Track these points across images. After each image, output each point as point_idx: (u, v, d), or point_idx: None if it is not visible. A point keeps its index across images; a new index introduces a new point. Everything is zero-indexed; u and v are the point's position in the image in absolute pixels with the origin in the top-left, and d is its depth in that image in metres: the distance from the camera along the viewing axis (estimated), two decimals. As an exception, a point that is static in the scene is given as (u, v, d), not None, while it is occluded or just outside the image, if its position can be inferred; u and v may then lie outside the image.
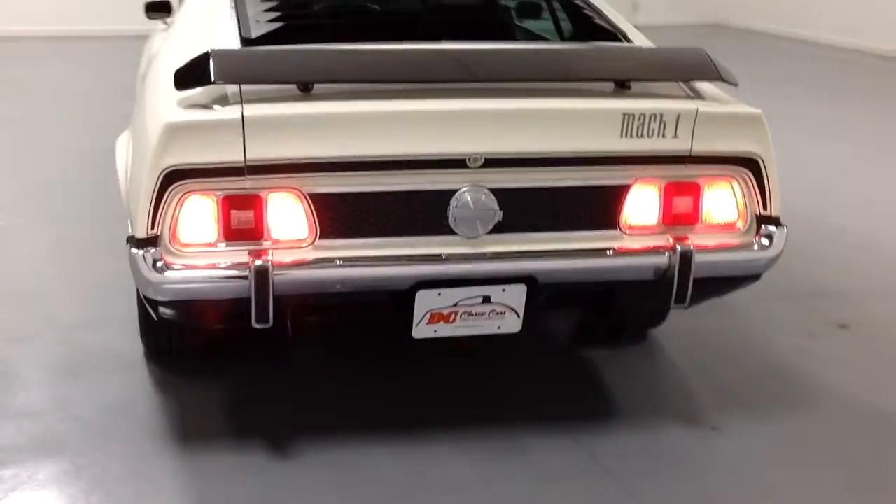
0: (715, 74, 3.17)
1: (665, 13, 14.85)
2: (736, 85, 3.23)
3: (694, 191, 3.20)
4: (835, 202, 6.14)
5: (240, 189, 2.91)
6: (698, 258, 3.14)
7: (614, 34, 3.73)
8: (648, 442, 3.38)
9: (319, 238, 3.01)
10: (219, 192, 2.91)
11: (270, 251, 2.94)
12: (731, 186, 3.20)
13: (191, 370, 3.76)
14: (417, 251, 3.05)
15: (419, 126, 2.97)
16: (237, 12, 3.61)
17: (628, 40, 3.68)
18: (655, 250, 3.15)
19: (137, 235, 2.89)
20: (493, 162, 3.01)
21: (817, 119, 8.53)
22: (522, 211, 3.09)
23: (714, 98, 3.21)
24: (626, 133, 3.05)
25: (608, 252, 3.14)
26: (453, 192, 3.02)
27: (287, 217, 2.98)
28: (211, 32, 3.48)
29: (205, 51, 3.03)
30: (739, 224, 3.24)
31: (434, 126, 2.98)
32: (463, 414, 3.52)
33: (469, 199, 3.02)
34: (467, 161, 2.99)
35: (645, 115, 3.05)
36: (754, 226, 3.24)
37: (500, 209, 3.05)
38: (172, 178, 2.85)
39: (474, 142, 2.99)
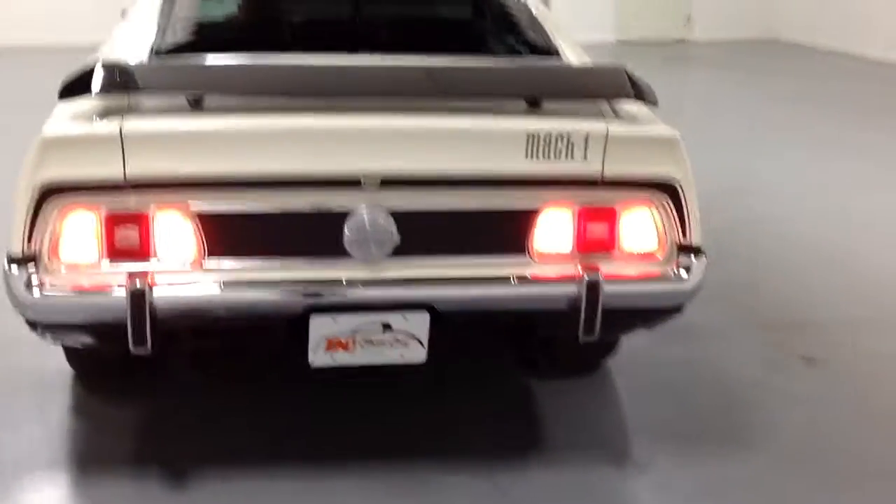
0: (628, 92, 2.99)
1: (719, 28, 14.61)
2: (655, 104, 3.06)
3: (609, 216, 3.02)
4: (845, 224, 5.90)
5: (123, 206, 2.80)
6: (608, 289, 2.95)
7: (546, 49, 3.55)
8: (568, 481, 3.20)
9: (207, 258, 2.88)
10: (102, 209, 2.80)
11: (151, 273, 2.82)
12: (650, 212, 3.02)
13: (105, 391, 3.65)
14: (309, 275, 2.91)
15: (310, 144, 2.84)
16: (161, 24, 3.51)
17: (558, 56, 3.49)
18: (562, 280, 2.97)
19: (12, 252, 2.79)
20: (390, 182, 2.87)
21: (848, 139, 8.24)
22: (423, 234, 2.94)
23: (632, 118, 3.02)
24: (532, 154, 2.88)
25: (511, 280, 2.98)
26: (348, 213, 2.88)
27: (173, 236, 2.86)
28: (128, 43, 3.39)
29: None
30: (659, 253, 3.05)
31: (326, 144, 2.84)
32: (375, 447, 3.36)
33: (365, 220, 2.87)
34: (362, 181, 2.84)
35: (551, 136, 2.88)
36: (675, 255, 3.04)
37: (399, 232, 2.90)
38: (49, 193, 2.75)
39: (368, 161, 2.85)
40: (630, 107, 3.07)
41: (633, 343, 3.87)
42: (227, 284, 2.87)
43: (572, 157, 2.90)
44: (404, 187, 2.88)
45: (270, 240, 2.90)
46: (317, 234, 2.89)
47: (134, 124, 2.77)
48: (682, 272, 3.02)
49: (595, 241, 3.02)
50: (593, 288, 2.92)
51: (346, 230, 2.87)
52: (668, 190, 2.98)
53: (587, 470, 3.26)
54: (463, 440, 3.43)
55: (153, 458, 3.26)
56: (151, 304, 2.77)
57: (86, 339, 2.99)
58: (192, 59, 3.24)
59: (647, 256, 3.05)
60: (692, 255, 3.03)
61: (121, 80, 2.86)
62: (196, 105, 2.87)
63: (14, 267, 2.78)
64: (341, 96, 2.95)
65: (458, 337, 3.22)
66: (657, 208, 3.00)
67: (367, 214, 2.87)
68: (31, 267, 2.78)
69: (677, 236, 3.02)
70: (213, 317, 2.91)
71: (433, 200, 2.92)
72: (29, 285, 2.78)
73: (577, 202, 2.98)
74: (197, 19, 3.60)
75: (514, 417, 3.60)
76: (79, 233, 2.82)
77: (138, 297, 2.76)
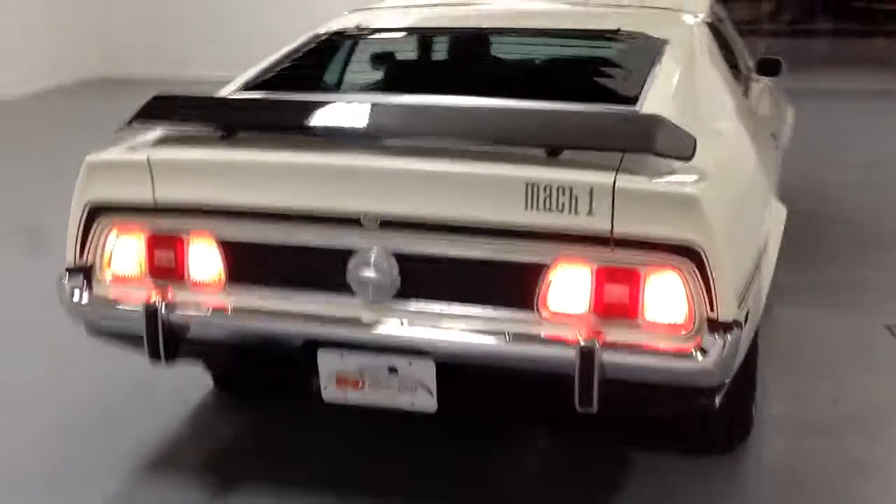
0: (645, 146, 2.66)
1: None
2: (686, 159, 2.70)
3: (632, 279, 2.72)
4: None
5: (159, 228, 3.00)
6: (608, 358, 2.66)
7: (626, 97, 3.21)
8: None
9: (228, 284, 3.00)
10: (143, 230, 3.02)
11: (170, 292, 2.99)
12: (678, 279, 2.67)
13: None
14: (316, 309, 2.92)
15: (315, 180, 2.87)
16: (278, 60, 3.67)
17: (632, 104, 3.13)
18: (558, 343, 2.72)
19: (67, 263, 3.09)
20: (391, 224, 2.80)
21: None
22: (426, 280, 2.84)
23: (652, 173, 2.68)
24: (532, 205, 2.68)
25: (506, 337, 2.78)
26: (352, 251, 2.85)
27: (200, 260, 3.02)
28: (238, 79, 3.59)
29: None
30: (685, 326, 2.69)
31: (329, 181, 2.85)
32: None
33: (366, 260, 2.84)
34: (361, 220, 2.81)
35: (552, 187, 2.65)
36: (702, 330, 2.67)
37: (402, 275, 2.83)
38: (95, 212, 3.01)
39: (366, 200, 2.81)
40: (659, 161, 2.72)
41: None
42: (238, 311, 2.96)
43: (576, 211, 2.65)
44: (404, 230, 2.80)
45: (281, 271, 2.96)
46: (324, 270, 2.90)
47: (161, 152, 2.96)
48: (697, 350, 2.64)
49: (614, 306, 2.74)
50: (587, 355, 2.66)
51: (349, 268, 2.85)
52: (691, 255, 2.62)
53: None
54: None
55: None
56: (165, 322, 2.93)
57: (121, 345, 3.21)
58: (249, 95, 3.36)
59: (672, 328, 2.71)
60: (717, 332, 2.64)
61: (155, 111, 3.05)
62: (227, 137, 2.99)
63: (67, 276, 3.07)
64: (354, 136, 2.93)
65: (472, 391, 3.04)
66: (683, 275, 2.65)
67: (367, 254, 2.83)
68: (79, 277, 3.06)
69: (704, 309, 2.65)
70: (223, 341, 3.02)
71: (434, 245, 2.81)
72: (73, 294, 3.06)
73: (594, 261, 2.72)
74: (317, 62, 3.71)
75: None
76: (121, 249, 3.06)
77: (152, 315, 2.93)
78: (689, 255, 2.62)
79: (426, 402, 2.92)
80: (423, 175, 2.78)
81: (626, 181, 2.63)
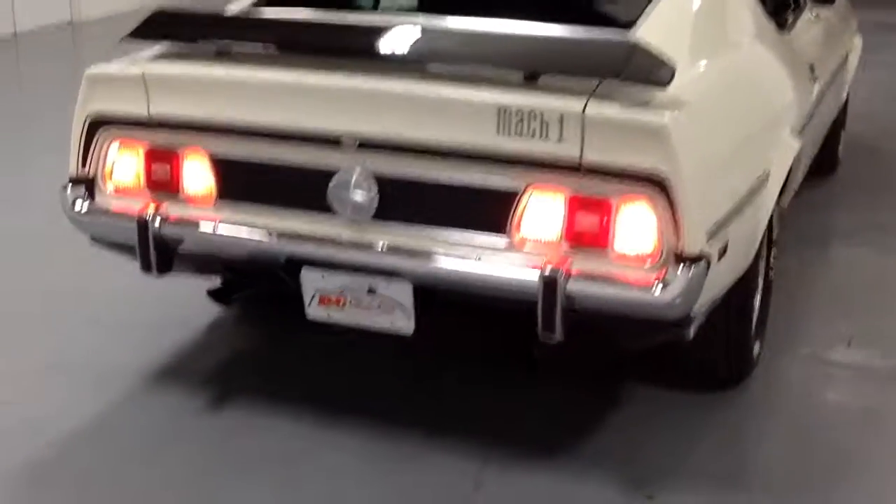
0: (610, 71, 2.62)
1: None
2: (662, 85, 2.64)
3: (603, 209, 2.70)
4: None
5: (156, 142, 3.08)
6: (573, 287, 2.66)
7: (624, 21, 3.13)
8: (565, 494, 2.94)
9: (219, 199, 3.07)
10: (141, 143, 3.10)
11: (162, 205, 3.06)
12: (649, 209, 2.64)
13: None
14: (299, 227, 2.97)
15: (297, 99, 2.90)
16: None
17: (627, 29, 3.05)
18: (525, 268, 2.72)
19: (70, 174, 3.18)
20: (369, 145, 2.82)
21: None
22: (403, 202, 2.87)
23: (627, 100, 2.64)
24: (503, 130, 2.67)
25: (475, 259, 2.78)
26: (334, 171, 2.89)
27: (193, 175, 3.09)
28: None
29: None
30: (652, 257, 2.66)
31: (309, 101, 2.89)
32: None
33: (346, 180, 2.87)
34: (341, 140, 2.84)
35: (523, 112, 2.64)
36: (668, 262, 2.64)
37: (380, 196, 2.86)
38: (96, 125, 3.09)
39: (345, 120, 2.84)
40: (637, 89, 2.67)
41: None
42: (226, 227, 3.03)
43: (547, 137, 2.64)
44: (382, 151, 2.82)
45: (267, 188, 3.01)
46: (307, 190, 2.94)
47: (157, 67, 3.02)
48: (660, 282, 2.62)
49: (585, 234, 2.73)
50: (550, 283, 2.65)
51: (330, 188, 2.89)
52: (658, 185, 2.59)
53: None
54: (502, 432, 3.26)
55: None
56: (157, 234, 3.02)
57: (120, 254, 3.28)
58: (256, 12, 3.38)
59: (641, 259, 2.69)
60: (682, 265, 2.61)
61: (154, 26, 3.10)
62: (222, 54, 3.03)
63: (70, 187, 3.17)
64: (340, 55, 2.94)
65: (449, 312, 3.06)
66: (654, 206, 2.62)
67: (347, 174, 2.86)
68: (81, 188, 3.15)
69: (671, 241, 2.62)
70: (212, 255, 3.09)
71: (410, 168, 2.82)
72: (74, 203, 3.16)
73: (567, 189, 2.70)
74: None
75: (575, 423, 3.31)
76: (122, 162, 3.14)
77: (143, 227, 3.02)
78: (656, 184, 2.59)
79: (404, 323, 2.95)
80: (397, 96, 2.79)
81: (596, 108, 2.60)
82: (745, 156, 3.04)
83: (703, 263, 2.64)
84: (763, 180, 3.12)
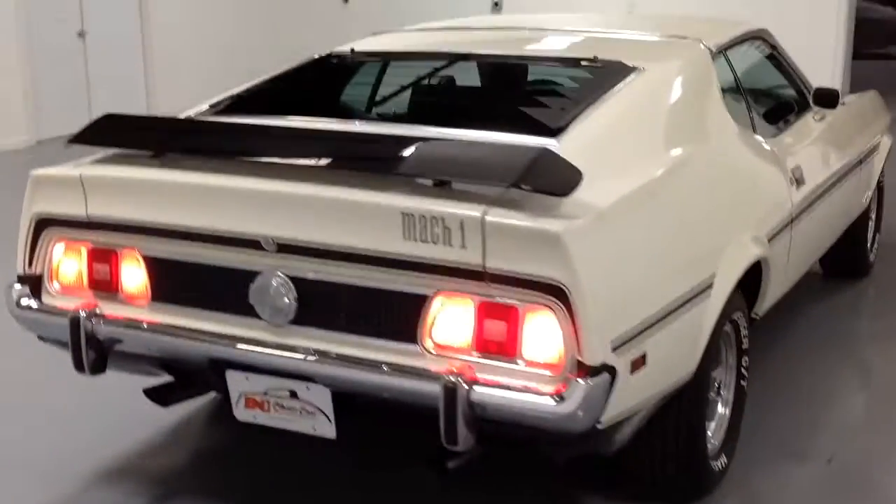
0: (507, 179, 2.58)
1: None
2: (561, 195, 2.59)
3: (510, 317, 2.64)
4: None
5: (96, 242, 3.13)
6: (478, 396, 2.60)
7: (551, 128, 3.07)
8: None
9: (152, 300, 3.09)
10: (83, 243, 3.15)
11: (98, 304, 3.10)
12: (555, 318, 2.58)
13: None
14: (220, 329, 2.97)
15: (220, 201, 2.92)
16: (260, 84, 3.74)
17: (557, 136, 3.01)
18: (430, 377, 2.67)
19: (18, 271, 3.25)
20: (287, 248, 2.83)
21: None
22: (320, 306, 2.85)
23: (532, 207, 2.59)
24: (409, 235, 2.65)
25: (387, 368, 2.75)
26: (255, 274, 2.89)
27: (130, 276, 3.12)
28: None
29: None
30: (556, 366, 2.60)
31: (230, 203, 2.90)
32: None
33: (266, 283, 2.88)
34: (262, 243, 2.85)
35: (426, 218, 2.62)
36: (572, 371, 2.57)
37: (298, 300, 2.85)
38: (42, 225, 3.16)
39: (264, 224, 2.85)
40: (545, 196, 2.62)
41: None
42: (154, 328, 3.05)
43: (450, 243, 2.61)
44: (299, 254, 2.82)
45: (193, 290, 3.02)
46: (231, 291, 2.94)
47: (93, 170, 3.09)
48: (561, 394, 2.54)
49: (493, 342, 2.67)
50: (450, 391, 2.60)
51: (251, 290, 2.89)
52: (559, 294, 2.53)
53: None
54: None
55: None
56: (90, 333, 3.05)
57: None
58: (203, 118, 3.43)
59: (548, 368, 2.62)
60: (584, 376, 2.53)
61: (96, 130, 3.18)
62: (156, 158, 3.09)
63: (16, 285, 3.23)
64: (262, 159, 2.96)
65: (368, 418, 3.02)
66: (557, 315, 2.56)
67: (267, 277, 2.87)
68: (27, 286, 3.21)
69: (573, 351, 2.55)
70: (143, 355, 3.11)
71: (325, 272, 2.82)
72: (20, 301, 3.22)
73: (475, 295, 2.66)
74: (273, 84, 3.75)
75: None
76: (66, 261, 3.19)
77: (75, 326, 3.06)
78: (556, 294, 2.53)
79: (326, 427, 2.92)
80: (309, 200, 2.79)
81: (496, 215, 2.56)
82: (673, 265, 2.95)
83: (605, 376, 2.55)
84: (702, 289, 3.03)
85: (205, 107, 3.60)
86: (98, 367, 3.12)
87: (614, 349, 2.60)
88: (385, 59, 3.93)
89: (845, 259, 5.58)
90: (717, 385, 3.41)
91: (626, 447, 3.14)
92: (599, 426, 2.62)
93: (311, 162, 2.93)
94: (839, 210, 4.71)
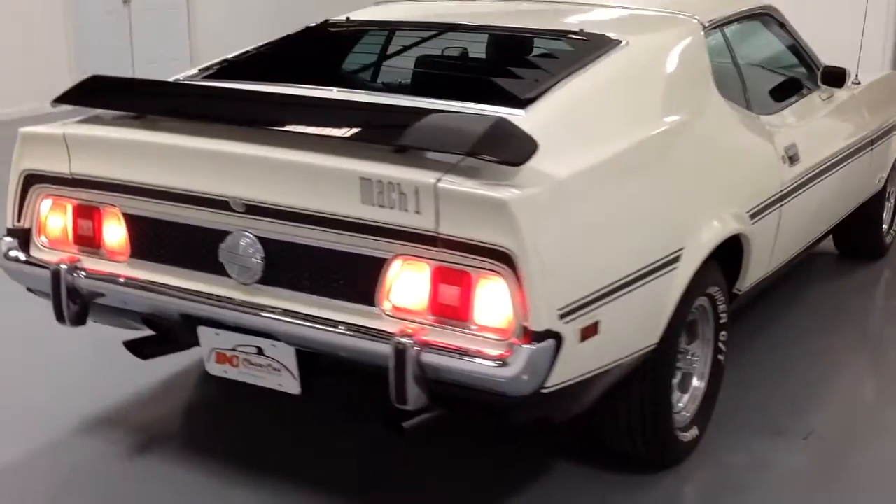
0: (458, 147, 2.62)
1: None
2: (514, 164, 2.62)
3: (464, 282, 2.69)
4: None
5: (79, 198, 3.22)
6: (426, 358, 2.66)
7: (521, 99, 3.08)
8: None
9: (132, 256, 3.18)
10: (68, 199, 3.25)
11: (80, 259, 3.20)
12: (505, 284, 2.62)
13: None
14: (192, 286, 3.06)
15: (193, 162, 2.99)
16: (251, 50, 3.81)
17: (524, 107, 3.02)
18: (380, 338, 2.73)
19: (7, 224, 3.36)
20: (255, 209, 2.90)
21: None
22: (286, 266, 2.92)
23: (487, 175, 2.63)
24: (367, 199, 2.70)
25: (338, 328, 2.81)
26: (225, 233, 2.97)
27: (111, 232, 3.22)
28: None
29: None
30: (505, 331, 2.64)
31: (203, 164, 2.97)
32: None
33: (235, 243, 2.95)
34: (231, 204, 2.92)
35: (383, 183, 2.67)
36: (519, 337, 2.61)
37: (265, 260, 2.92)
38: (30, 180, 3.26)
39: (233, 185, 2.91)
40: (502, 166, 2.66)
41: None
42: (131, 283, 3.14)
43: (405, 208, 2.66)
44: (266, 215, 2.88)
45: (168, 248, 3.11)
46: (203, 250, 3.02)
47: (77, 129, 3.18)
48: (506, 358, 2.59)
49: (447, 306, 2.72)
50: (400, 352, 2.66)
51: (220, 250, 2.97)
52: (507, 260, 2.57)
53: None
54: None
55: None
56: (70, 286, 3.15)
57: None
58: (184, 82, 3.49)
59: (497, 333, 2.67)
60: (530, 341, 2.58)
61: (82, 91, 3.26)
62: (138, 119, 3.17)
63: (5, 237, 3.34)
64: (234, 123, 3.03)
65: (334, 375, 3.08)
66: (507, 280, 2.61)
67: (236, 237, 2.94)
68: (16, 240, 3.32)
69: (521, 317, 2.60)
70: (121, 309, 3.20)
71: (290, 233, 2.88)
72: (8, 253, 3.32)
73: (430, 260, 2.71)
74: (262, 49, 3.80)
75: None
76: (53, 216, 3.29)
77: (56, 278, 3.16)
78: (505, 260, 2.57)
79: (291, 384, 3.00)
80: (274, 163, 2.85)
81: (449, 182, 2.60)
82: (635, 237, 2.95)
83: (550, 342, 2.59)
84: (668, 262, 3.04)
85: (194, 71, 3.67)
86: (79, 319, 3.22)
87: (562, 316, 2.63)
88: (375, 29, 3.97)
89: (860, 240, 5.54)
90: (690, 358, 3.44)
91: (595, 415, 3.21)
92: (545, 391, 2.66)
93: (279, 126, 2.98)
94: (844, 190, 4.68)
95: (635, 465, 3.38)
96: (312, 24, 3.99)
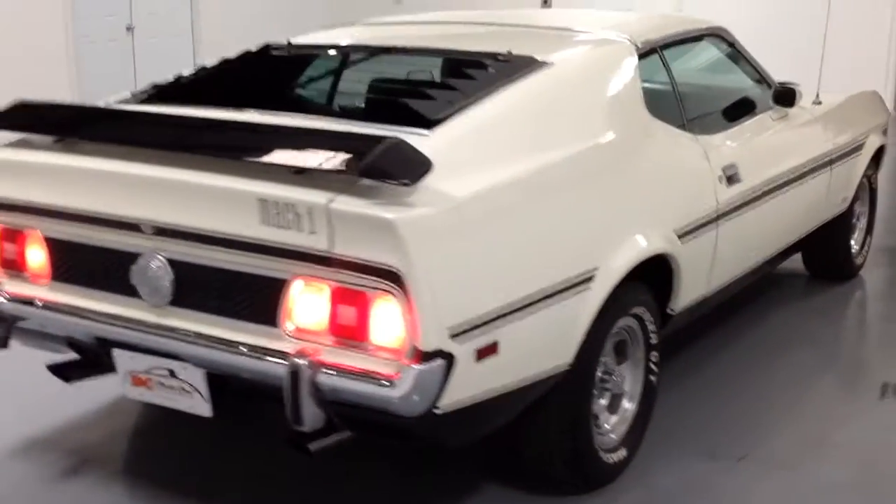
0: (345, 168, 2.64)
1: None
2: (405, 184, 2.63)
3: (360, 302, 2.70)
4: None
5: (9, 223, 3.26)
6: (323, 378, 2.68)
7: (428, 120, 3.07)
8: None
9: (52, 279, 3.22)
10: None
11: (2, 281, 3.24)
12: (397, 304, 2.63)
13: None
14: (107, 309, 3.09)
15: (105, 186, 3.03)
16: (188, 74, 3.85)
17: (429, 128, 3.02)
18: (277, 359, 2.75)
19: None
20: (164, 232, 2.93)
21: None
22: (194, 288, 2.95)
23: (380, 195, 2.64)
24: (266, 220, 2.72)
25: (239, 349, 2.84)
26: (137, 255, 3.00)
27: (34, 255, 3.26)
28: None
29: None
30: (398, 351, 2.65)
31: (115, 187, 3.01)
32: None
33: (146, 265, 2.98)
34: (140, 227, 2.95)
35: (279, 204, 2.69)
36: (411, 357, 2.62)
37: (175, 282, 2.95)
38: None
39: (142, 207, 2.95)
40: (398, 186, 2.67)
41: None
42: (48, 305, 3.18)
43: (301, 229, 2.68)
44: (173, 238, 2.91)
45: (87, 270, 3.15)
46: (117, 272, 3.06)
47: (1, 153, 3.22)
48: (396, 378, 2.60)
49: (345, 327, 2.74)
50: (294, 373, 2.68)
51: (132, 271, 3.00)
52: (397, 280, 2.58)
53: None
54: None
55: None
56: None
57: None
58: (72, 105, 3.53)
59: (392, 353, 2.68)
60: (420, 361, 2.59)
61: (10, 116, 3.30)
62: (58, 143, 3.21)
63: None
64: (141, 145, 3.06)
65: (247, 397, 3.10)
66: (399, 300, 2.62)
67: (147, 259, 2.97)
68: None
69: (411, 337, 2.61)
70: (40, 332, 3.24)
71: (196, 255, 2.90)
72: None
73: (328, 281, 2.73)
74: (200, 74, 3.84)
75: None
76: None
77: None
78: (395, 280, 2.58)
79: (202, 406, 3.02)
80: (180, 185, 2.88)
81: (341, 203, 2.62)
82: (540, 257, 2.95)
83: (439, 362, 2.60)
84: (579, 282, 3.04)
85: (128, 95, 3.71)
86: (1, 343, 3.26)
87: (454, 336, 2.63)
88: (310, 53, 4.00)
89: (827, 261, 5.52)
90: (616, 378, 3.42)
91: (515, 436, 3.21)
92: (438, 411, 2.66)
93: (186, 149, 3.00)
94: (797, 210, 4.65)
95: (559, 486, 3.37)
96: (252, 49, 4.03)
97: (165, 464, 3.61)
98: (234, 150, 2.95)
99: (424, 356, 2.59)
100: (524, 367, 2.93)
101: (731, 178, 3.94)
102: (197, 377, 2.97)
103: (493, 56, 3.54)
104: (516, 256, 2.88)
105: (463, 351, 2.66)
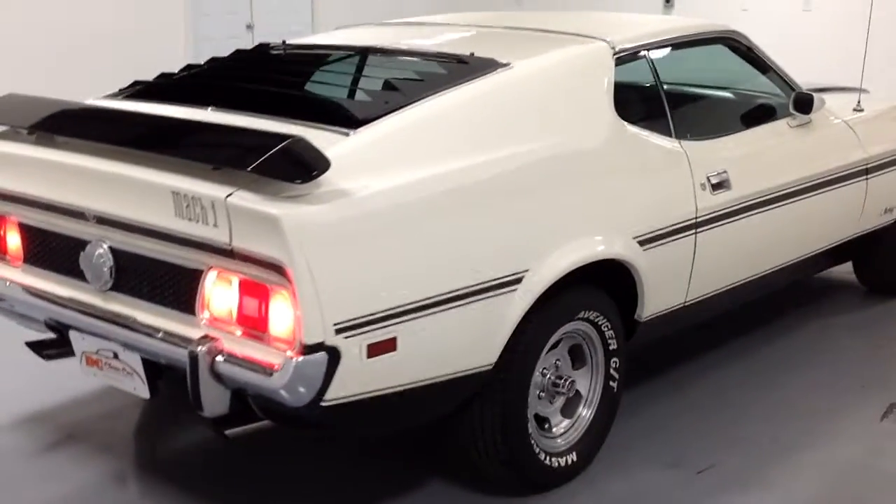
0: (237, 164, 2.74)
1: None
2: (299, 182, 2.71)
3: (261, 294, 2.81)
4: None
5: None
6: (221, 366, 2.81)
7: (355, 119, 3.10)
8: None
9: (24, 263, 3.45)
10: None
11: None
12: (289, 296, 2.73)
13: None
14: (60, 292, 3.28)
15: (59, 176, 3.21)
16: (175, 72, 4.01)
17: (354, 128, 3.05)
18: (183, 345, 2.88)
19: None
20: (104, 221, 3.10)
21: None
22: (130, 275, 3.11)
23: (278, 192, 2.73)
24: (179, 213, 2.86)
25: (158, 334, 2.99)
26: (86, 242, 3.19)
27: (11, 239, 3.50)
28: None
29: None
30: (289, 343, 2.75)
31: (64, 178, 3.19)
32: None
33: (91, 252, 3.16)
34: (86, 215, 3.14)
35: (188, 197, 2.82)
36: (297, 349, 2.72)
37: (115, 269, 3.12)
38: None
39: (84, 197, 3.13)
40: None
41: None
42: (14, 287, 3.40)
43: (206, 221, 2.80)
44: (112, 227, 3.08)
45: (48, 255, 3.36)
46: (70, 258, 3.26)
47: None
48: (280, 368, 2.70)
49: (249, 317, 2.85)
50: (193, 360, 2.81)
51: (80, 258, 3.19)
52: (284, 274, 2.68)
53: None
54: None
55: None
56: None
57: None
58: (48, 100, 3.62)
59: (283, 344, 2.77)
60: (304, 353, 2.68)
61: None
62: (30, 134, 3.42)
63: None
64: (88, 139, 3.23)
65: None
66: (289, 294, 2.72)
67: (92, 246, 3.16)
68: None
69: (298, 330, 2.70)
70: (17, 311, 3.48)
71: (130, 244, 3.07)
72: None
73: (236, 273, 2.85)
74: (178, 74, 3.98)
75: None
76: None
77: None
78: (283, 273, 2.68)
79: (141, 388, 3.17)
80: (112, 177, 3.04)
81: (238, 198, 2.72)
82: (453, 258, 2.97)
83: (321, 355, 2.67)
84: (502, 284, 3.06)
85: (115, 91, 3.90)
86: None
87: (341, 331, 2.70)
88: (293, 53, 4.10)
89: (879, 274, 5.32)
90: (569, 384, 3.42)
91: (454, 435, 3.28)
92: (326, 403, 2.74)
93: (126, 144, 3.15)
94: (813, 220, 4.49)
95: (499, 488, 3.39)
96: (243, 48, 4.18)
97: (150, 444, 3.80)
98: (158, 144, 3.09)
99: (307, 349, 2.68)
100: (434, 366, 2.97)
101: (718, 186, 3.86)
102: (135, 360, 3.12)
103: (456, 58, 3.58)
104: (424, 256, 2.92)
105: (350, 346, 2.72)
